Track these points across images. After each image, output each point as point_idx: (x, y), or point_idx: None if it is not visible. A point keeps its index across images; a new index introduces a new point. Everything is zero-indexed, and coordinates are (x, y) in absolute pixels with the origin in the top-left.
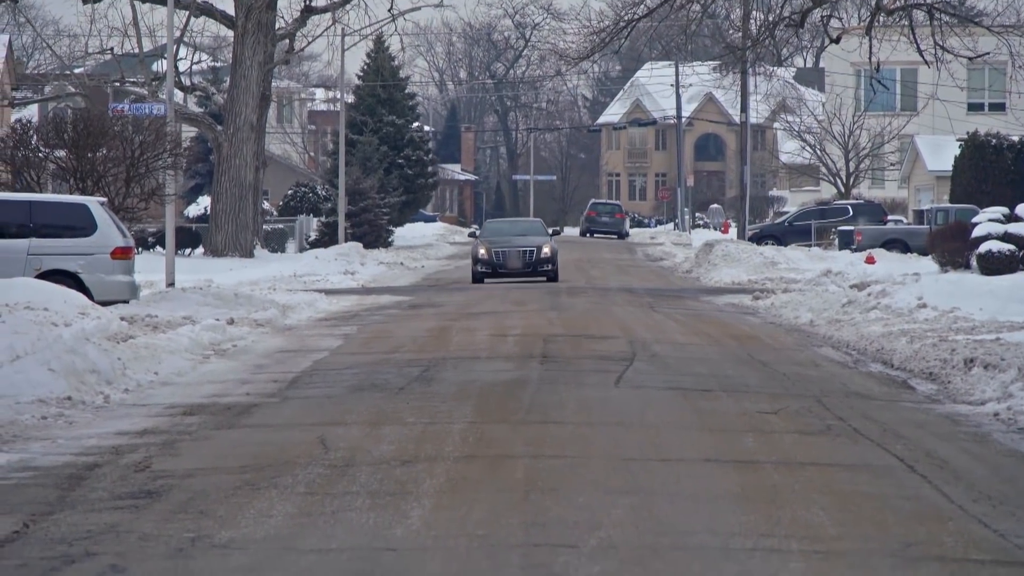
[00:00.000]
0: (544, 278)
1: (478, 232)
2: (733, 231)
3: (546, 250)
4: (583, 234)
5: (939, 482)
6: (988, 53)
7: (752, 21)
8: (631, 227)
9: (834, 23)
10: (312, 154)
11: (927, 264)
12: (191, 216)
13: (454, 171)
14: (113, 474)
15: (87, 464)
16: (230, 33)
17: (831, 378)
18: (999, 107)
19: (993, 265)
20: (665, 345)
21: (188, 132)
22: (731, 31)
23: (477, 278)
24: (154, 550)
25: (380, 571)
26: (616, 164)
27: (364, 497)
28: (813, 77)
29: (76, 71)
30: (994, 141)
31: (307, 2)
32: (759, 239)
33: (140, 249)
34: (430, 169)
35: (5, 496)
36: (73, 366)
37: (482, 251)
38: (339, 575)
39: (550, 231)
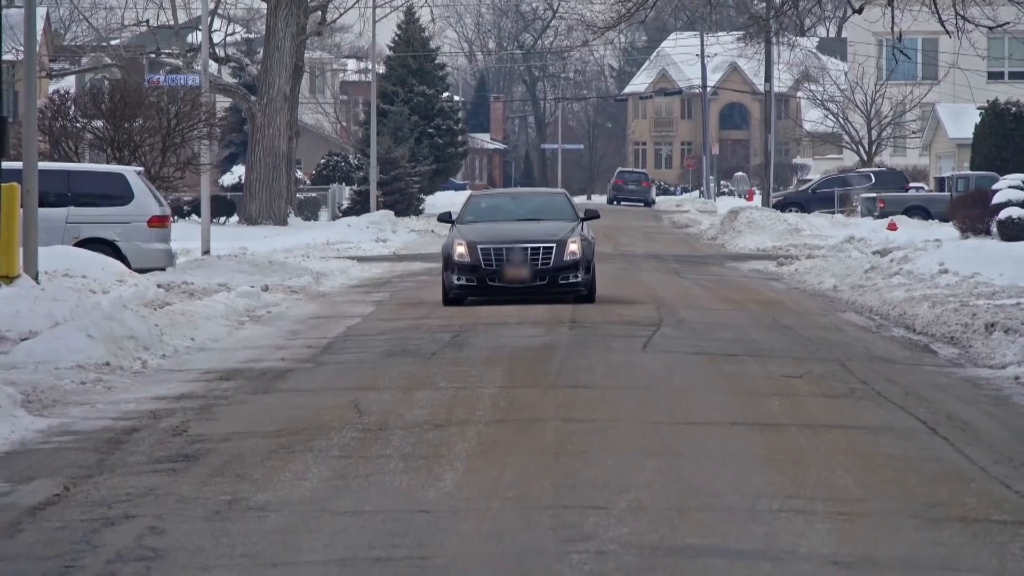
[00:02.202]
0: (569, 296)
1: (454, 215)
2: (757, 198)
3: (572, 247)
4: (610, 202)
5: (961, 444)
6: (1008, 22)
7: None
8: (657, 195)
9: None
10: (344, 124)
11: (948, 230)
12: (226, 185)
13: (483, 140)
14: (151, 438)
15: (126, 428)
16: (263, 5)
17: (854, 342)
18: (1019, 76)
19: (1013, 231)
20: (691, 310)
21: (222, 103)
22: (755, 1)
23: (452, 296)
24: (192, 512)
25: (413, 532)
26: (642, 133)
27: (397, 460)
28: (836, 47)
29: (112, 43)
30: (1014, 109)
31: None
32: (783, 206)
33: (176, 217)
34: (460, 138)
35: (46, 460)
36: (111, 332)
37: (459, 249)
38: (373, 536)
39: (581, 213)
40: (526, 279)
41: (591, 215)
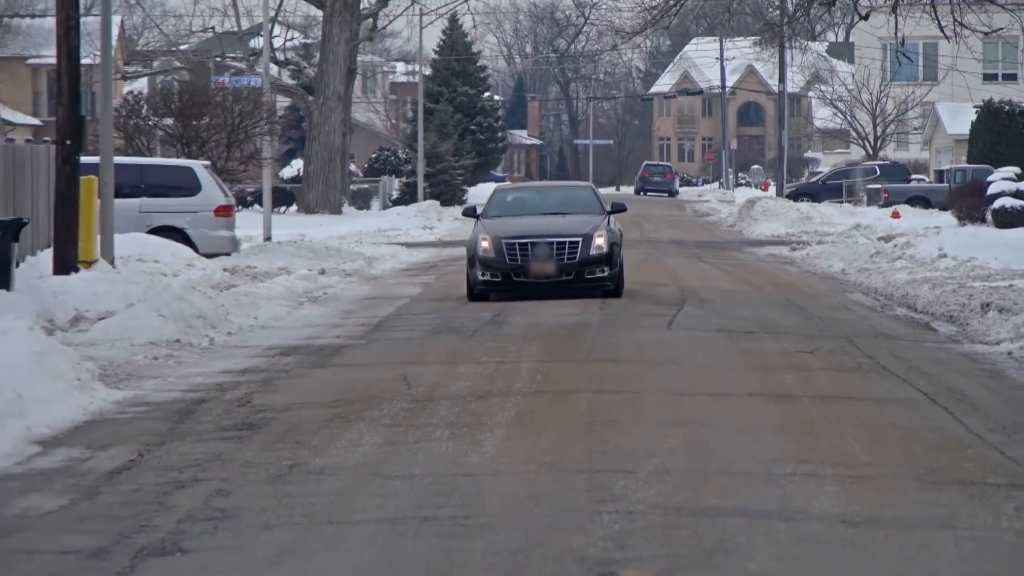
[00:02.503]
0: (596, 291)
1: (479, 210)
2: (772, 189)
3: (599, 241)
4: (637, 192)
5: (959, 414)
6: (1002, 28)
7: (789, 0)
8: (680, 186)
9: (863, 1)
10: (393, 121)
11: (947, 219)
12: (285, 177)
13: (521, 136)
14: (218, 408)
15: (194, 400)
16: (320, 13)
17: (861, 321)
18: (1012, 77)
19: (1006, 219)
20: (712, 292)
21: (282, 102)
22: (770, 9)
23: (477, 292)
24: (255, 476)
25: (458, 494)
26: (667, 129)
27: (443, 428)
28: (844, 51)
29: (181, 48)
30: (1007, 108)
31: None
32: (795, 196)
33: (240, 207)
34: (499, 135)
35: (122, 428)
36: (181, 312)
37: (484, 244)
38: (421, 497)
39: (608, 206)
40: (552, 274)
41: (618, 208)
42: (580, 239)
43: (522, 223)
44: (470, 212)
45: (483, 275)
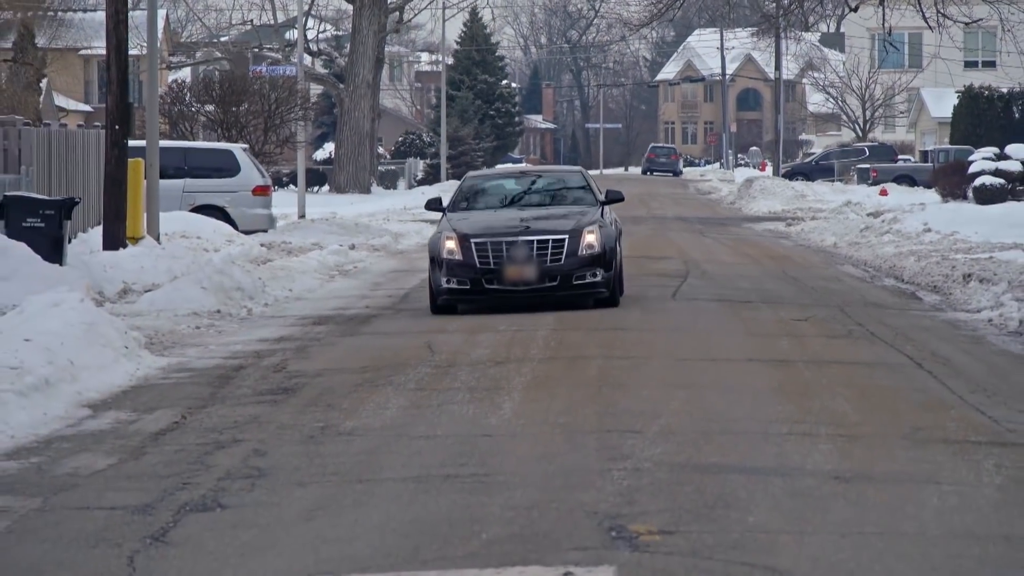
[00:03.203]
0: (587, 299)
1: (445, 202)
2: (769, 169)
3: (590, 238)
4: (644, 172)
5: (943, 377)
6: (981, 19)
7: None
8: (684, 166)
9: None
10: (418, 107)
11: (931, 196)
12: (318, 159)
13: (536, 121)
14: (255, 374)
15: (233, 366)
16: (350, 7)
17: (851, 291)
18: (991, 64)
19: (986, 196)
20: (713, 264)
21: (315, 90)
22: (767, 2)
23: (441, 303)
24: (290, 437)
25: (478, 453)
26: (671, 114)
27: (464, 392)
28: (835, 40)
29: (222, 39)
30: (987, 93)
31: None
32: (790, 176)
33: (276, 187)
34: (516, 119)
35: (166, 393)
36: (221, 284)
37: (449, 244)
38: (444, 456)
39: (602, 194)
40: (532, 280)
41: (613, 197)
42: (566, 236)
43: (496, 218)
44: (434, 205)
45: (448, 282)
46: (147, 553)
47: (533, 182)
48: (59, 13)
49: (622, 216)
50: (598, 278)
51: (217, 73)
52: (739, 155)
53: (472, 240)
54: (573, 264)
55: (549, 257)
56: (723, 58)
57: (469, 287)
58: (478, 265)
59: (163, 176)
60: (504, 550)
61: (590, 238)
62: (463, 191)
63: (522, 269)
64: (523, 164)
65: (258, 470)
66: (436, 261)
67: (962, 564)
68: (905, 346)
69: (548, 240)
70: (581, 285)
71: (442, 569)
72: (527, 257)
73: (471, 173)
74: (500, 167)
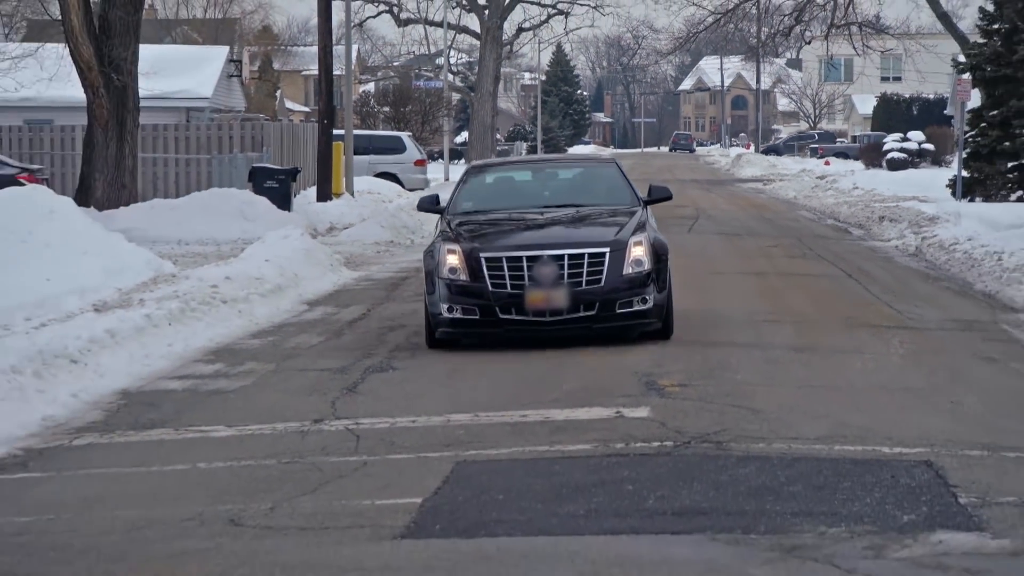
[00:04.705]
0: (632, 331)
1: (442, 199)
2: (752, 148)
3: (637, 252)
4: (671, 150)
5: (865, 284)
6: (892, 48)
7: (762, 32)
8: (696, 146)
9: (807, 34)
10: (522, 108)
11: (859, 165)
12: (457, 143)
13: (600, 116)
14: (415, 282)
15: (401, 277)
16: (477, 42)
17: (805, 227)
18: (898, 79)
19: (895, 165)
20: (715, 210)
21: (455, 97)
22: (751, 38)
23: (440, 336)
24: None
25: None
26: (688, 112)
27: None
28: (796, 63)
29: (394, 64)
30: (895, 98)
31: (520, 25)
32: (766, 152)
33: (429, 160)
34: (587, 116)
35: (357, 295)
36: (394, 224)
37: (451, 259)
38: (536, 341)
39: (642, 195)
40: (562, 308)
41: (660, 196)
42: (607, 250)
43: (512, 224)
44: (429, 205)
45: (451, 310)
46: (343, 399)
47: (556, 175)
48: (288, 47)
49: (652, 180)
50: (648, 304)
51: (391, 86)
52: (732, 139)
53: (483, 255)
54: (616, 286)
55: (585, 278)
56: (722, 75)
57: (478, 317)
58: (490, 289)
59: (356, 153)
60: (577, 398)
61: (637, 251)
62: (467, 188)
63: (549, 294)
64: (590, 146)
65: (416, 345)
66: (434, 281)
67: (878, 404)
68: (840, 263)
69: (583, 255)
70: (627, 315)
71: (535, 409)
72: (556, 278)
73: (476, 162)
74: (510, 158)
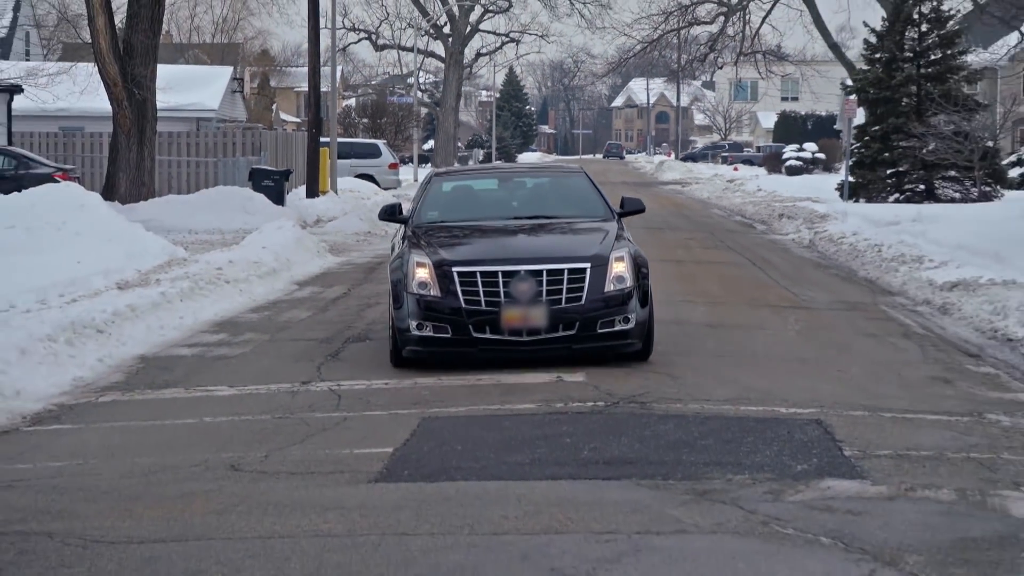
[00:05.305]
0: (611, 351)
1: (405, 209)
2: (672, 156)
3: (618, 268)
4: (604, 157)
5: (767, 270)
6: (790, 73)
7: (682, 58)
8: (626, 154)
9: (720, 61)
10: (480, 121)
11: (762, 171)
12: (425, 149)
13: (545, 128)
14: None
15: (377, 262)
16: (442, 65)
17: (717, 223)
18: (796, 99)
19: (792, 171)
20: None
21: (424, 111)
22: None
23: (408, 355)
24: None
25: None
26: (619, 124)
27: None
28: (710, 85)
29: (372, 82)
30: (793, 114)
31: (478, 51)
32: (685, 159)
33: (401, 164)
34: (533, 128)
35: (339, 277)
36: (371, 217)
37: (420, 273)
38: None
39: (616, 207)
40: (540, 327)
41: (633, 208)
42: (588, 265)
43: (484, 236)
44: (389, 215)
45: (420, 328)
46: (327, 364)
47: (524, 184)
48: (283, 68)
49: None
50: (630, 324)
51: (369, 101)
52: (656, 148)
53: (455, 269)
54: (598, 304)
55: (564, 295)
56: (648, 94)
57: (450, 335)
58: (464, 305)
59: (339, 157)
60: (524, 364)
61: (619, 267)
62: (432, 196)
63: (527, 312)
64: (536, 153)
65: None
66: (401, 295)
67: (776, 372)
68: (746, 253)
69: (563, 270)
70: (608, 335)
71: (489, 374)
72: (534, 295)
73: (438, 170)
74: (497, 163)
